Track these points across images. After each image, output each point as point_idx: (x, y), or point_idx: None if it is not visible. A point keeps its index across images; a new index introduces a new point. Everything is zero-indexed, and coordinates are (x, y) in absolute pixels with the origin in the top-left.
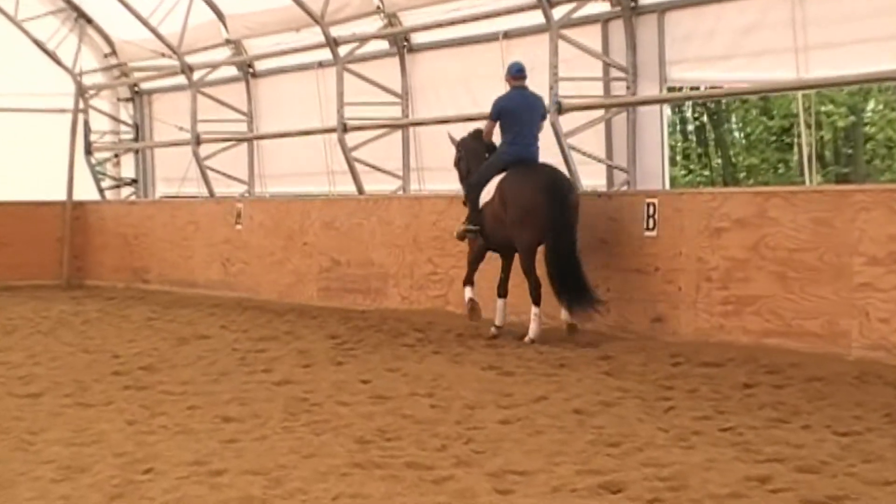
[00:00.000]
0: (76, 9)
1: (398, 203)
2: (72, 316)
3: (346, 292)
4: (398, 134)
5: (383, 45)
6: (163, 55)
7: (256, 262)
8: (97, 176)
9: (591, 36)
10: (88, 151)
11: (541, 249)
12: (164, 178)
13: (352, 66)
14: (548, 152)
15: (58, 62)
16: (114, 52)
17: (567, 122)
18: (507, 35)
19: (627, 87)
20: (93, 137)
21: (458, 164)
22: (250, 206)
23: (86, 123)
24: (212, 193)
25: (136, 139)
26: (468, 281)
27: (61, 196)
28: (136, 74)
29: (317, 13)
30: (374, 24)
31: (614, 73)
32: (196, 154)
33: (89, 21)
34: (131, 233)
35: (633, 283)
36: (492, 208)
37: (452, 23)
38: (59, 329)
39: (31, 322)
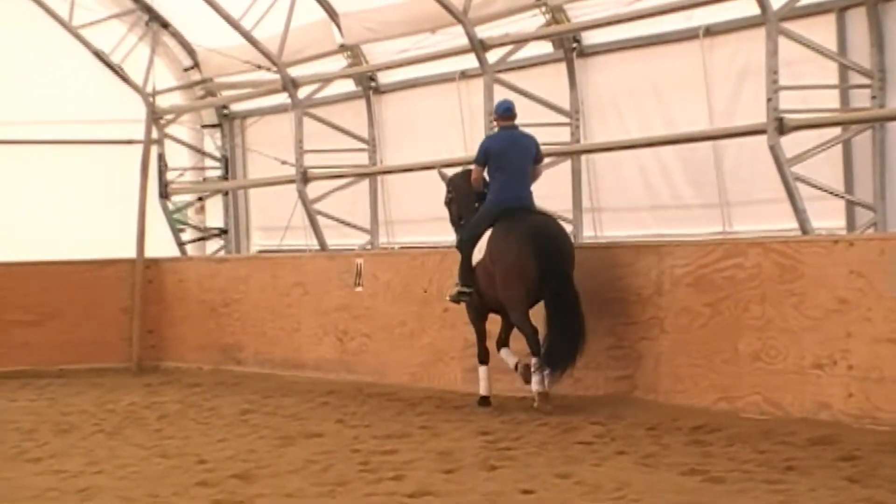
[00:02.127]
0: (148, 10)
1: None
2: (144, 409)
3: (500, 373)
4: (567, 164)
5: (546, 47)
6: (259, 67)
7: (382, 336)
8: (175, 226)
9: (822, 29)
10: (164, 194)
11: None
12: (262, 228)
13: (504, 77)
14: (767, 182)
15: (124, 79)
16: (196, 66)
17: (792, 144)
18: (710, 31)
19: (873, 97)
20: (170, 176)
21: (448, 204)
22: (373, 261)
23: (160, 158)
24: (323, 246)
25: (224, 177)
26: (482, 357)
27: (129, 252)
28: (225, 93)
29: (458, 8)
30: (534, 21)
31: (855, 77)
32: (303, 195)
33: (165, 26)
34: (220, 299)
35: (886, 358)
36: (483, 266)
37: (635, 17)
38: (128, 427)
39: (92, 418)
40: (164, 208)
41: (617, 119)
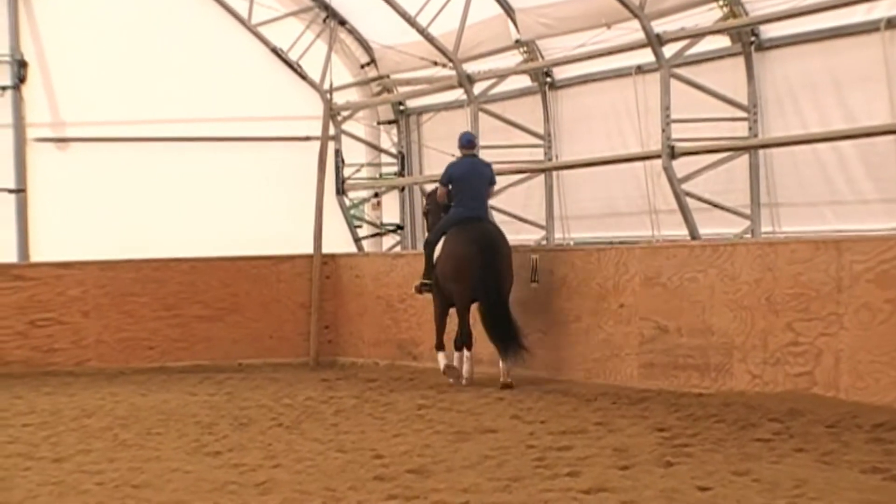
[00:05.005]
0: (325, 7)
1: (745, 250)
2: (321, 404)
3: (677, 369)
4: (743, 160)
5: (723, 41)
6: (435, 64)
7: (557, 331)
8: (352, 222)
9: None
10: (341, 190)
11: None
12: None
13: (680, 71)
14: None
15: (302, 76)
16: (373, 62)
17: None
18: (892, 23)
19: None
20: (347, 172)
21: (425, 214)
22: (548, 257)
23: (337, 154)
24: None
25: (401, 173)
26: (439, 345)
27: (307, 248)
28: (401, 89)
29: (634, 3)
30: (711, 15)
31: None
32: None
33: (342, 23)
34: (396, 295)
35: None
36: (440, 264)
37: (814, 10)
38: (305, 421)
39: (269, 412)
40: (341, 204)
41: (795, 113)
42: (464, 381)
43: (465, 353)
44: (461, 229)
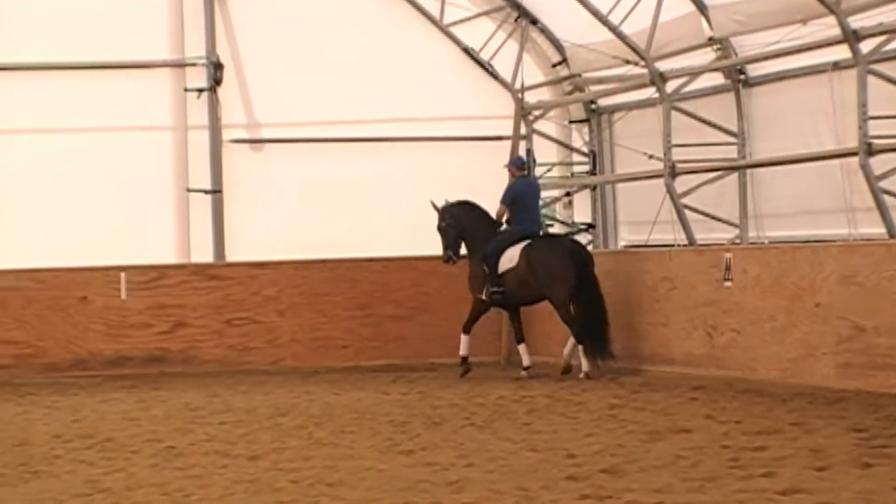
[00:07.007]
0: (517, 6)
1: None
2: (513, 403)
3: (875, 369)
4: None
5: None
6: (627, 62)
7: (752, 331)
8: (543, 221)
9: None
10: None
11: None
12: (629, 222)
13: (877, 67)
14: None
15: (493, 76)
16: (564, 61)
17: None
18: None
19: None
20: (538, 171)
21: (443, 229)
22: (742, 255)
23: (529, 153)
24: (691, 240)
25: (592, 172)
26: (465, 332)
27: None
28: (593, 88)
29: None
30: None
31: None
32: (671, 189)
33: (534, 22)
34: None
35: None
36: (516, 273)
37: None
38: (497, 420)
39: (461, 411)
40: None
41: None
42: (582, 375)
43: (579, 346)
44: (549, 243)
